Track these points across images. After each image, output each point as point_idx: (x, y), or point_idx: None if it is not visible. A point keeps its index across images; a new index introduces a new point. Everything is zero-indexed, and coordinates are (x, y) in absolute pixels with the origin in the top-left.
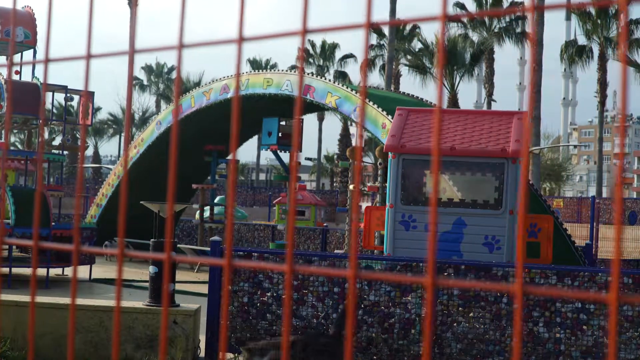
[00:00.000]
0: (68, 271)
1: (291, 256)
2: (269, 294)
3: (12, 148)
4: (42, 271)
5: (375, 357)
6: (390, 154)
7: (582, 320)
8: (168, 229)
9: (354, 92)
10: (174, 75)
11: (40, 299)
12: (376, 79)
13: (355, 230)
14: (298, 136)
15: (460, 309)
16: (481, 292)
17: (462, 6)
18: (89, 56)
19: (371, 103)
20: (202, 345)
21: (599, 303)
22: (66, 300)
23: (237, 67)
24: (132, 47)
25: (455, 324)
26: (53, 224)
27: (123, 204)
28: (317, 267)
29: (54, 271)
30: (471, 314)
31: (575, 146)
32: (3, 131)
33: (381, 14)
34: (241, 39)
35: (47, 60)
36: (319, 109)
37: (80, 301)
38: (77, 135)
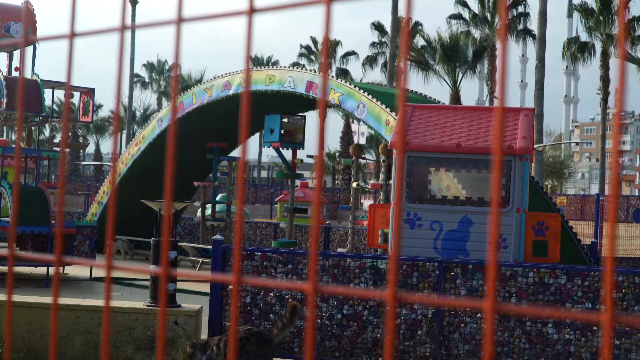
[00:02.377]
0: (69, 270)
1: (314, 275)
2: (272, 294)
3: (13, 146)
4: (42, 270)
5: (380, 359)
6: (395, 151)
7: (592, 321)
8: (165, 247)
9: (357, 88)
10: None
11: (38, 299)
12: (378, 76)
13: (396, 251)
14: (323, 135)
15: (467, 309)
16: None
17: (464, 3)
18: (72, 35)
19: (374, 100)
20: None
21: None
22: (66, 300)
23: (248, 42)
24: (122, 23)
25: (462, 325)
26: (53, 222)
27: (111, 216)
28: (342, 286)
29: (54, 269)
30: (479, 315)
31: (577, 143)
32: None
33: (382, 13)
34: (252, 10)
35: (25, 42)
36: None
37: (80, 301)
38: (78, 133)
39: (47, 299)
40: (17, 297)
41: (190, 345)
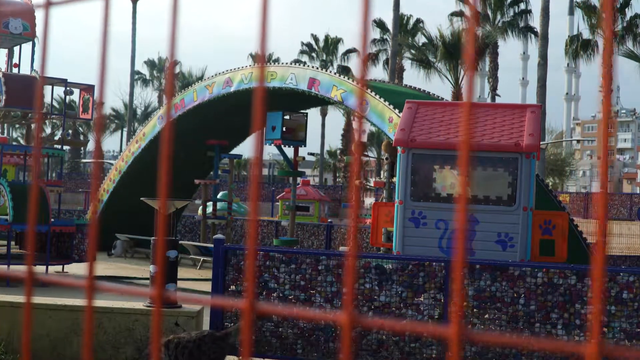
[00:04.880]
0: (68, 268)
1: (351, 304)
2: (275, 295)
3: (14, 143)
4: (41, 269)
5: None
6: (399, 149)
7: (602, 322)
8: (159, 265)
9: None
10: (176, 70)
11: (36, 299)
12: (379, 73)
13: (460, 289)
14: (361, 137)
15: (475, 310)
16: (497, 293)
17: (465, 1)
18: (48, 3)
19: (377, 96)
20: None
21: (621, 304)
22: (64, 300)
23: (263, 10)
24: None
25: (469, 326)
26: (52, 220)
27: (93, 233)
28: (376, 317)
29: (54, 268)
30: (486, 316)
31: (578, 141)
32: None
33: (384, 10)
34: None
35: None
36: (324, 103)
37: (79, 302)
38: (79, 130)
39: (44, 300)
40: (14, 298)
41: None
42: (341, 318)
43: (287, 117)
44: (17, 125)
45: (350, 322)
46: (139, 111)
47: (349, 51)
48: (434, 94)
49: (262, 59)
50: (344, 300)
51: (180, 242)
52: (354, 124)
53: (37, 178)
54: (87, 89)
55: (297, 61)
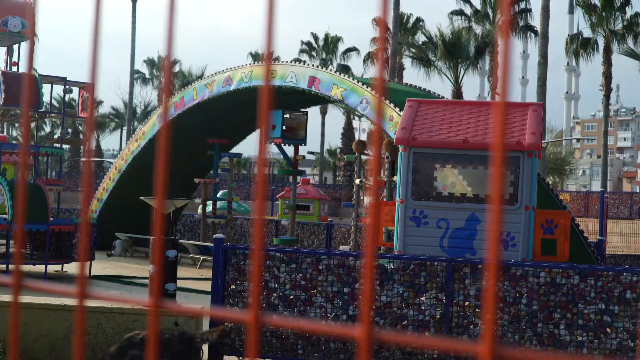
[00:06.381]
0: (68, 268)
1: (368, 320)
2: (275, 294)
3: (13, 142)
4: (40, 268)
5: None
6: (400, 147)
7: (605, 322)
8: (157, 267)
9: (360, 83)
10: (175, 69)
11: (35, 299)
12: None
13: (493, 305)
14: (379, 137)
15: (476, 310)
16: (499, 293)
17: None
18: None
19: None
20: (205, 347)
21: (624, 304)
22: (63, 301)
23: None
24: None
25: (471, 327)
26: (51, 219)
27: (84, 237)
28: (395, 333)
29: (53, 268)
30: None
31: (578, 140)
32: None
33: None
34: None
35: None
36: (324, 101)
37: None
38: (78, 129)
39: (43, 300)
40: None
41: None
42: (358, 333)
43: (287, 115)
44: (16, 124)
45: (369, 339)
46: (138, 110)
47: (348, 50)
48: (434, 92)
49: (268, 57)
50: (360, 313)
51: (180, 241)
52: (354, 123)
53: (24, 175)
54: (87, 87)
55: (297, 60)
